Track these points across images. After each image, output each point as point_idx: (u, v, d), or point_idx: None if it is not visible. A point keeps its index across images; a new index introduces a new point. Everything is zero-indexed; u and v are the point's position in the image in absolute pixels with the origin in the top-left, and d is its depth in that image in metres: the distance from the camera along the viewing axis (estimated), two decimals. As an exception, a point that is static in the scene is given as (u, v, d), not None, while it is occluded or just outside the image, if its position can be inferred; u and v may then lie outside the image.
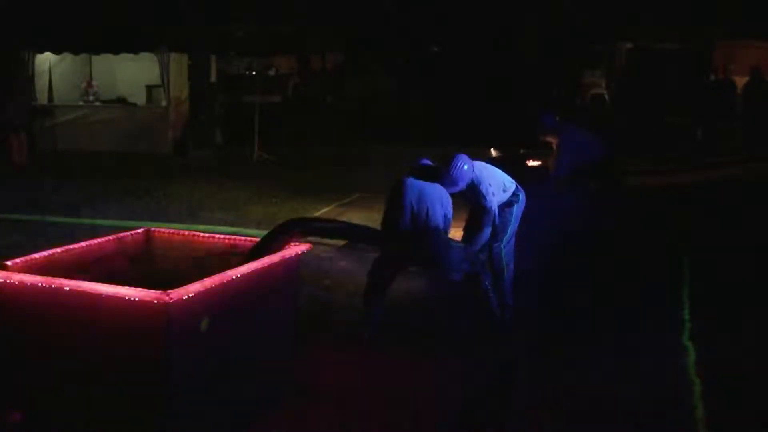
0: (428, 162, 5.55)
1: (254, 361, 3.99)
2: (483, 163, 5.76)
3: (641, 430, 4.15)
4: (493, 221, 5.56)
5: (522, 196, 5.73)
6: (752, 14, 21.64)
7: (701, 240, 8.20)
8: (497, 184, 5.62)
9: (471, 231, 5.64)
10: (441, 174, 5.37)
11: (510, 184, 5.72)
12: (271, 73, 28.20)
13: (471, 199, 5.57)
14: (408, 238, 5.17)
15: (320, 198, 10.12)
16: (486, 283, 5.37)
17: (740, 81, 17.81)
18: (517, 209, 5.69)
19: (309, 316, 5.27)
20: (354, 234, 5.35)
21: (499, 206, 5.61)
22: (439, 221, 5.19)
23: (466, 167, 5.38)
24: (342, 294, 6.15)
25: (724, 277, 6.85)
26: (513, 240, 5.73)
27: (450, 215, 5.33)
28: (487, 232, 5.53)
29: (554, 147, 8.18)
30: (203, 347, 3.60)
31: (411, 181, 5.26)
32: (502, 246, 5.64)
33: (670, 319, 5.72)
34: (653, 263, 7.31)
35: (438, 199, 5.23)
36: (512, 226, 5.68)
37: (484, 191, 5.46)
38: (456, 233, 5.89)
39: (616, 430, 4.14)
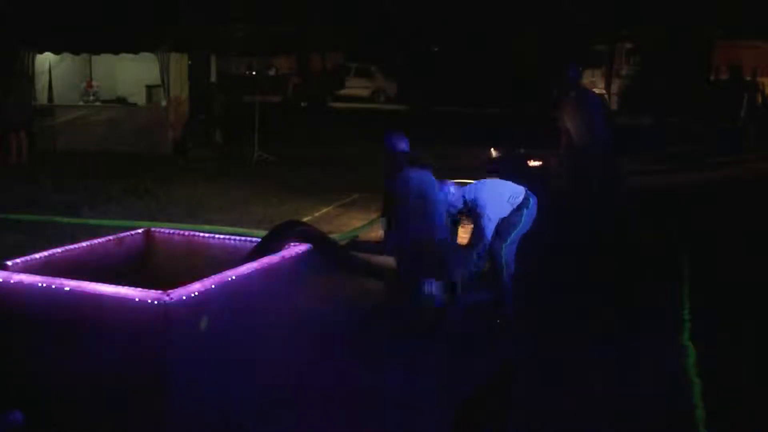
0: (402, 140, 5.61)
1: (254, 361, 3.99)
2: (486, 183, 5.74)
3: (641, 431, 4.15)
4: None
5: (533, 201, 5.67)
6: (752, 14, 21.65)
7: (701, 240, 8.20)
8: (499, 206, 5.57)
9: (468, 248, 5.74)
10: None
11: (517, 196, 5.66)
12: (271, 73, 28.23)
13: (471, 218, 5.66)
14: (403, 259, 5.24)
15: (320, 198, 10.12)
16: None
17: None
18: (527, 213, 5.64)
19: (309, 315, 5.26)
20: (344, 262, 5.32)
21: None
22: (442, 216, 5.22)
23: (452, 189, 5.54)
24: (343, 294, 6.14)
25: (724, 277, 6.85)
26: (517, 242, 5.69)
27: (456, 202, 5.41)
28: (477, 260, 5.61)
29: (565, 113, 8.19)
30: (203, 347, 3.60)
31: (409, 174, 5.28)
32: (503, 245, 5.61)
33: (670, 319, 5.71)
34: (653, 263, 7.31)
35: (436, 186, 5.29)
36: (518, 229, 5.62)
37: (483, 225, 5.48)
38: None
39: (616, 430, 4.14)
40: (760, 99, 16.11)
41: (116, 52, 14.98)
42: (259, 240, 4.61)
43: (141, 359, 3.43)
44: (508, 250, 5.64)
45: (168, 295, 3.34)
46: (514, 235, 5.64)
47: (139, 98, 15.74)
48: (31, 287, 3.61)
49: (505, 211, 5.60)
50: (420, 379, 4.68)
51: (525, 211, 5.64)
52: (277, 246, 4.39)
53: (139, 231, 4.87)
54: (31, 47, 14.64)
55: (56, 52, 15.09)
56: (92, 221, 8.47)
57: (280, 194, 10.42)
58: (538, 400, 4.42)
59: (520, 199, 5.66)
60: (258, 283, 3.98)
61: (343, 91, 30.54)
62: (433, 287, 5.40)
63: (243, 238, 4.87)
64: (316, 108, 25.90)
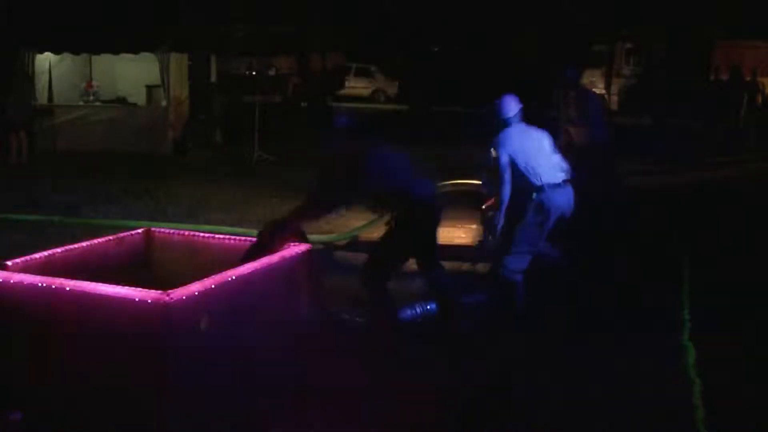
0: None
1: (254, 361, 3.99)
2: (534, 134, 5.76)
3: (641, 431, 4.15)
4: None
5: (565, 192, 5.46)
6: (752, 14, 21.66)
7: (701, 240, 8.19)
8: (532, 152, 5.52)
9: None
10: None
11: (541, 170, 5.48)
12: (271, 73, 28.18)
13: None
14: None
15: (320, 198, 10.10)
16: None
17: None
18: (534, 216, 5.48)
19: (309, 315, 5.25)
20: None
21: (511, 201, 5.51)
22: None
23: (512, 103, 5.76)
24: (343, 294, 6.14)
25: (724, 277, 6.85)
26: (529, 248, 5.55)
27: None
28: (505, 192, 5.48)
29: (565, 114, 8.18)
30: (203, 347, 3.60)
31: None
32: (508, 257, 5.54)
33: (670, 319, 5.71)
34: (653, 263, 7.31)
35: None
36: (525, 234, 5.49)
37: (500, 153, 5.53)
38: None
39: (616, 430, 4.14)
40: (760, 99, 16.14)
41: (116, 52, 14.98)
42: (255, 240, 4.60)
43: (141, 359, 3.43)
44: (510, 266, 5.55)
45: (168, 295, 3.34)
46: (521, 240, 5.49)
47: (139, 98, 15.73)
48: (31, 287, 3.61)
49: (536, 165, 5.45)
50: (420, 379, 4.68)
51: (532, 214, 5.46)
52: (276, 247, 4.38)
53: (139, 231, 4.87)
54: (31, 47, 14.64)
55: (56, 52, 15.08)
56: (92, 221, 8.48)
57: (280, 194, 10.42)
58: (538, 400, 4.42)
59: (559, 178, 5.47)
60: (258, 283, 3.98)
61: (343, 91, 30.54)
62: (413, 312, 5.40)
63: (243, 238, 4.87)
64: (316, 108, 25.86)
